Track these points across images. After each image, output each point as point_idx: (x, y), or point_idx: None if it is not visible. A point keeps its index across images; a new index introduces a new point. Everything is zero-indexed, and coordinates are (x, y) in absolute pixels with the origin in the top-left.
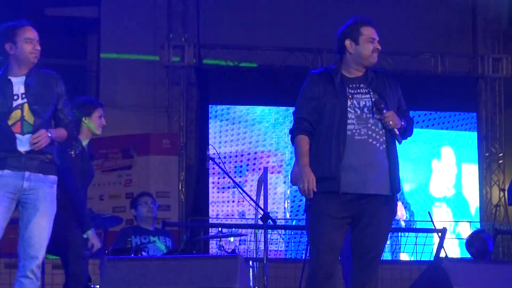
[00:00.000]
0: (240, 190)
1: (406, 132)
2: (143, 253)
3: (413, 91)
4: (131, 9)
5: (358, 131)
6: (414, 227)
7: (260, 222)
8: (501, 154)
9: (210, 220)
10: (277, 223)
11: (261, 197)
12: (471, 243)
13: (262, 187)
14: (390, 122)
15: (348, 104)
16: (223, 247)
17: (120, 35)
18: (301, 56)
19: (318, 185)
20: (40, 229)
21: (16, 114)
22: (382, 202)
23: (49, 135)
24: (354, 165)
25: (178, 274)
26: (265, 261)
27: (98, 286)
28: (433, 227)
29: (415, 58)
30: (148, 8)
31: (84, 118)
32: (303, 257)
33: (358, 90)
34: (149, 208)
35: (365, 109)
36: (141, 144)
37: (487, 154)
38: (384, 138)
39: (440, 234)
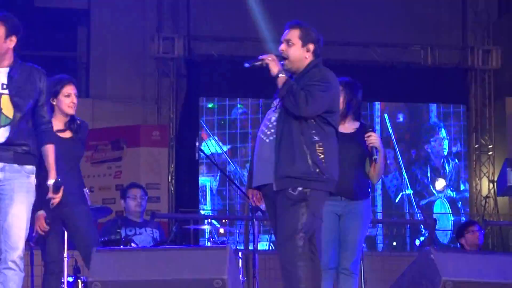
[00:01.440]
0: (230, 181)
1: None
2: (133, 244)
3: (403, 82)
4: (121, 0)
5: (266, 132)
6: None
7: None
8: (491, 146)
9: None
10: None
11: None
12: (461, 234)
13: None
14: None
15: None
16: (214, 238)
17: (110, 26)
18: None
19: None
20: (18, 219)
21: None
22: (271, 188)
23: (58, 182)
24: (253, 164)
25: (166, 265)
26: (254, 253)
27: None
28: (424, 219)
29: (405, 49)
30: (138, 0)
31: (51, 99)
32: None
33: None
34: (137, 203)
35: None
36: (131, 136)
37: (476, 146)
38: (273, 130)
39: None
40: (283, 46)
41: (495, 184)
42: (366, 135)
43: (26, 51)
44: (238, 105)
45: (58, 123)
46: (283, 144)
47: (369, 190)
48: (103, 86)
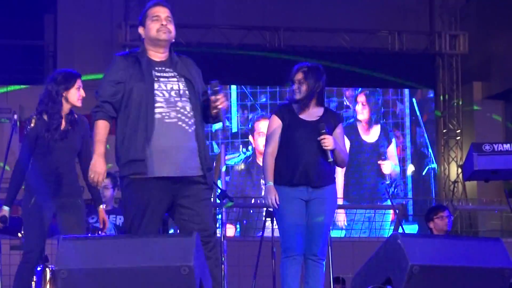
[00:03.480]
0: None
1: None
2: (100, 232)
3: (371, 68)
4: None
5: (167, 114)
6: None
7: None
8: (459, 131)
9: None
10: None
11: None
12: (431, 218)
13: (221, 165)
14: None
15: (156, 87)
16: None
17: (77, 14)
18: (259, 35)
19: (126, 169)
20: None
21: None
22: (198, 182)
23: None
24: (164, 148)
25: (133, 253)
26: (222, 239)
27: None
28: (391, 204)
29: (372, 35)
30: None
31: (63, 92)
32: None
33: (164, 74)
34: (102, 190)
35: (173, 93)
36: None
37: (444, 131)
38: (193, 120)
39: (397, 211)
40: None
41: (462, 168)
42: (319, 138)
43: None
44: None
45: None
46: (200, 136)
47: (334, 176)
48: None
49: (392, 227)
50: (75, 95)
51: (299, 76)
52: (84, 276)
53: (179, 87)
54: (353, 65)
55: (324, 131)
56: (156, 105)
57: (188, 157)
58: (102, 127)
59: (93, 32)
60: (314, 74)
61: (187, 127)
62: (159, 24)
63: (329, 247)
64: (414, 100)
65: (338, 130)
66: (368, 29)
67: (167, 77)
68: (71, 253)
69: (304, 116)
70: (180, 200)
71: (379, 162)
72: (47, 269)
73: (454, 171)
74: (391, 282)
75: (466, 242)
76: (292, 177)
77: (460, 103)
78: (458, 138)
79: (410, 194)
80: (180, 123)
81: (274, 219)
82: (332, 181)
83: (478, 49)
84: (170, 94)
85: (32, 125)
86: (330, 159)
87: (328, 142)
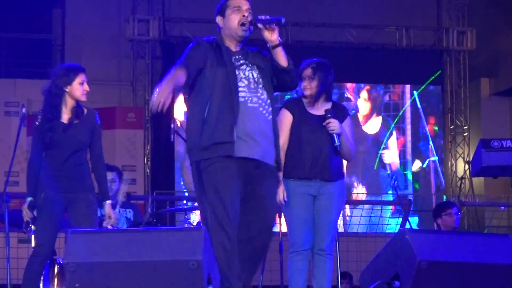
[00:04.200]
0: None
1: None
2: (109, 226)
3: (378, 64)
4: None
5: (250, 98)
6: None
7: None
8: (466, 127)
9: (175, 193)
10: None
11: None
12: (439, 214)
13: None
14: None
15: (237, 73)
16: (188, 219)
17: (85, 9)
18: None
19: (210, 152)
20: None
21: None
22: (270, 171)
23: None
24: (248, 131)
25: (142, 246)
26: None
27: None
28: (398, 200)
29: (380, 31)
30: None
31: (65, 88)
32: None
33: (241, 62)
34: (110, 184)
35: (251, 80)
36: (106, 118)
37: (451, 127)
38: (270, 109)
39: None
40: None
41: (470, 165)
42: (324, 123)
43: (1, 33)
44: None
45: (65, 110)
46: (275, 126)
47: (343, 171)
48: None
49: (398, 221)
50: (78, 90)
51: (308, 71)
52: (93, 269)
53: (253, 75)
54: (361, 60)
55: (329, 115)
56: (240, 89)
57: (268, 144)
58: (179, 72)
59: (101, 27)
60: (323, 69)
61: (267, 114)
62: (240, 15)
63: (337, 242)
64: (415, 92)
65: (346, 124)
66: (375, 24)
67: (244, 66)
68: (79, 247)
69: (313, 110)
70: (253, 184)
71: (381, 151)
72: (55, 263)
73: (461, 167)
74: (399, 278)
75: (474, 238)
76: (302, 170)
77: (467, 99)
78: (466, 134)
79: (410, 187)
80: (261, 109)
81: (282, 214)
82: (341, 176)
83: (485, 45)
84: (249, 81)
85: (38, 120)
86: (336, 143)
87: (333, 125)
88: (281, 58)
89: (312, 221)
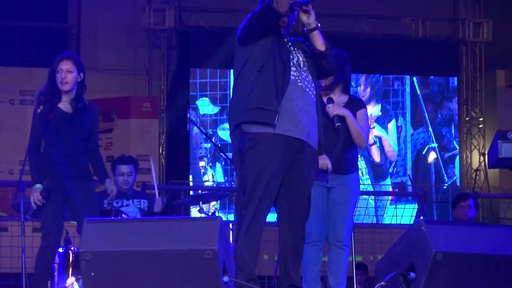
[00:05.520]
0: (220, 151)
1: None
2: (124, 215)
3: (394, 55)
4: None
5: (299, 77)
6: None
7: None
8: (481, 119)
9: (190, 183)
10: None
11: None
12: (454, 206)
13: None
14: (329, 110)
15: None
16: (203, 209)
17: None
18: None
19: (252, 115)
20: None
21: None
22: (312, 154)
23: None
24: (295, 109)
25: (157, 236)
26: None
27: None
28: (413, 190)
29: (396, 22)
30: None
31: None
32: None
33: (290, 43)
34: (123, 180)
35: (300, 61)
36: (121, 107)
37: (467, 119)
38: (315, 92)
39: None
40: None
41: (486, 156)
42: (326, 107)
43: (17, 21)
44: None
45: (64, 99)
46: (319, 109)
47: (358, 163)
48: (94, 57)
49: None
50: (57, 80)
51: None
52: (108, 258)
53: (299, 58)
54: (376, 51)
55: (330, 104)
56: (292, 67)
57: (312, 126)
58: None
59: (117, 16)
60: (339, 60)
61: (312, 96)
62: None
63: (353, 234)
64: (414, 79)
65: (361, 114)
66: (391, 15)
67: (292, 47)
68: (95, 236)
69: None
70: (295, 171)
71: (370, 147)
72: (70, 251)
73: (476, 159)
74: (414, 269)
75: (490, 229)
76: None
77: (483, 91)
78: (481, 126)
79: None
80: (307, 89)
81: None
82: (356, 168)
83: (502, 37)
84: (298, 63)
85: (40, 106)
86: (338, 124)
87: (331, 108)
88: (318, 42)
89: (327, 213)
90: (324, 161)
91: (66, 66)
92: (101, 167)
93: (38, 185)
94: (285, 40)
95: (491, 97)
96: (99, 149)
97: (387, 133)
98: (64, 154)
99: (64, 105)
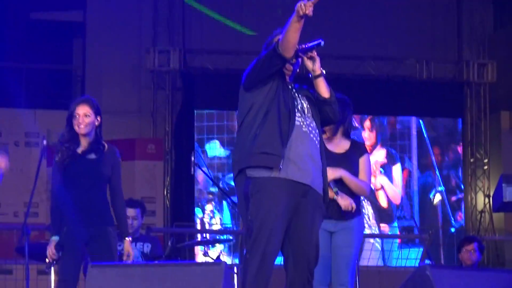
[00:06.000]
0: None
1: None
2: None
3: (398, 96)
4: (117, 13)
5: (304, 123)
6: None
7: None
8: (486, 160)
9: (195, 226)
10: None
11: None
12: (460, 250)
13: None
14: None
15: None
16: (207, 253)
17: (106, 39)
18: None
19: (257, 159)
20: None
21: None
22: (317, 199)
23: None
24: (300, 154)
25: (161, 281)
26: None
27: None
28: (418, 233)
29: (400, 63)
30: (133, 13)
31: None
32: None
33: (294, 90)
34: (129, 224)
35: (304, 108)
36: (126, 149)
37: (472, 160)
38: (319, 139)
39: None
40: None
41: (491, 198)
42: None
43: (22, 63)
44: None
45: (83, 143)
46: (323, 155)
47: (360, 207)
48: (99, 99)
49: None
50: (74, 124)
51: None
52: None
53: (304, 105)
54: (381, 93)
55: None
56: (296, 113)
57: (317, 171)
58: None
59: (122, 57)
60: (341, 105)
61: (316, 143)
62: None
63: (357, 277)
64: (421, 121)
65: (363, 161)
66: (395, 57)
67: (296, 94)
68: (100, 280)
69: (331, 147)
70: (301, 215)
71: (376, 192)
72: None
73: (481, 200)
74: None
75: (495, 274)
76: None
77: (488, 132)
78: (486, 167)
79: (417, 217)
80: (311, 135)
81: None
82: (359, 212)
83: (506, 78)
84: (302, 108)
85: (59, 156)
86: (334, 189)
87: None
88: (323, 88)
89: (329, 257)
90: (347, 202)
91: (83, 110)
92: (121, 220)
93: (55, 237)
94: (290, 86)
95: (495, 138)
96: (122, 195)
97: (391, 177)
98: (82, 198)
99: (82, 149)
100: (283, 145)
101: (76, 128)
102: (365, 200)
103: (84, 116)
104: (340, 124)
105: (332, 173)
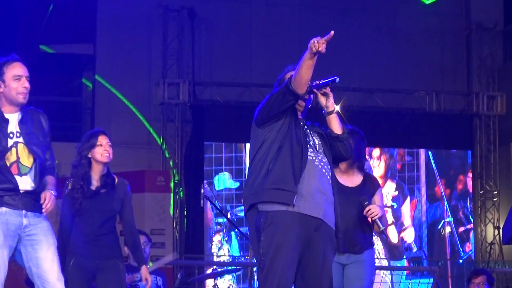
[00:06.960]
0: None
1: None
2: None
3: (408, 128)
4: (126, 46)
5: (316, 158)
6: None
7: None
8: (496, 192)
9: (205, 258)
10: None
11: None
12: (469, 282)
13: None
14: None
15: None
16: (217, 286)
17: (116, 72)
18: None
19: (269, 195)
20: (53, 262)
21: (12, 154)
22: (330, 232)
23: (53, 194)
24: (312, 189)
25: None
26: None
27: None
28: (428, 265)
29: (410, 95)
30: (143, 45)
31: (88, 153)
32: None
33: (306, 126)
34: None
35: (316, 144)
36: (135, 181)
37: (481, 192)
38: (331, 174)
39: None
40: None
41: (500, 230)
42: (365, 211)
43: (31, 96)
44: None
45: (94, 177)
46: (335, 191)
47: (372, 240)
48: (108, 131)
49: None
50: (98, 153)
51: None
52: None
53: (315, 141)
54: (390, 125)
55: (367, 203)
56: (309, 148)
57: (329, 206)
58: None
59: (131, 90)
60: (356, 139)
61: (328, 178)
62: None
63: None
64: (430, 153)
65: (377, 195)
66: (405, 89)
67: (308, 130)
68: None
69: (344, 180)
70: (313, 249)
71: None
72: None
73: (490, 232)
74: None
75: None
76: None
77: (497, 164)
78: (495, 199)
79: (425, 248)
80: (323, 170)
81: None
82: (371, 245)
83: None
84: (314, 144)
85: (68, 188)
86: (381, 227)
87: (374, 210)
88: (335, 125)
89: None
90: (376, 208)
91: (106, 140)
92: (136, 250)
93: None
94: (302, 123)
95: (505, 170)
96: (135, 225)
97: (401, 213)
98: (92, 232)
99: (96, 184)
100: (295, 181)
101: (99, 156)
102: (375, 235)
103: (108, 145)
104: (354, 161)
105: (378, 210)
